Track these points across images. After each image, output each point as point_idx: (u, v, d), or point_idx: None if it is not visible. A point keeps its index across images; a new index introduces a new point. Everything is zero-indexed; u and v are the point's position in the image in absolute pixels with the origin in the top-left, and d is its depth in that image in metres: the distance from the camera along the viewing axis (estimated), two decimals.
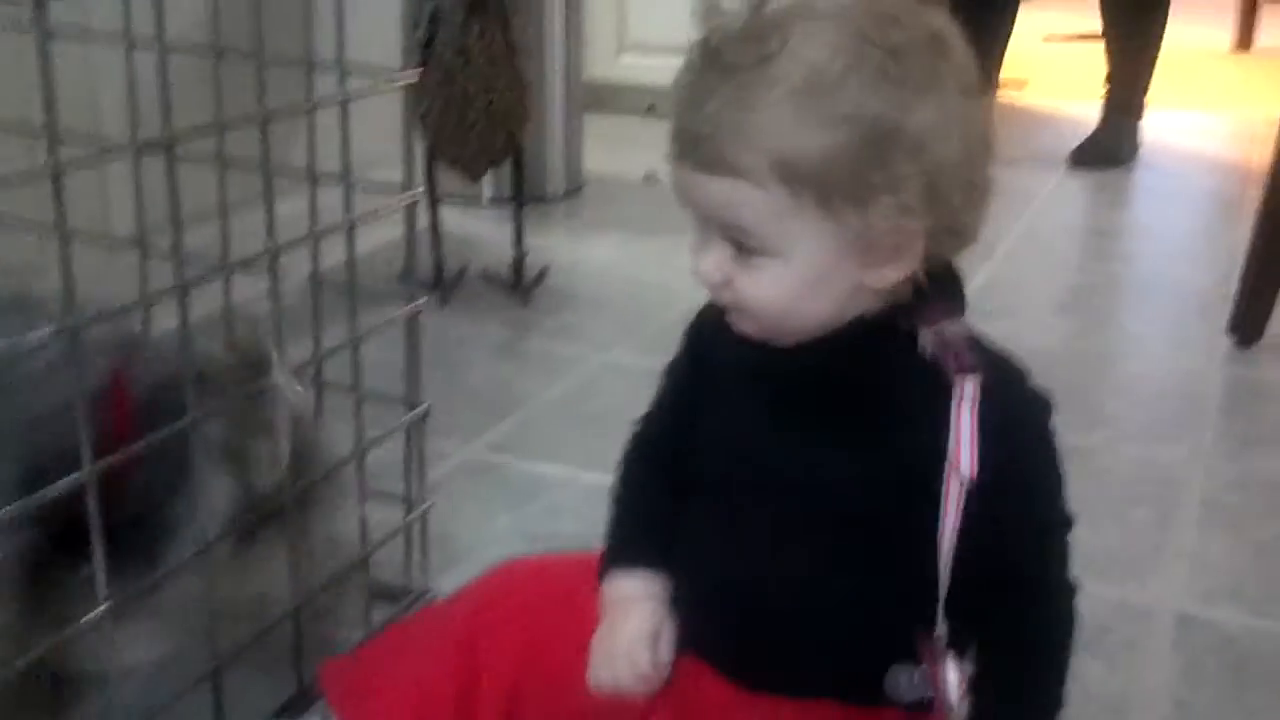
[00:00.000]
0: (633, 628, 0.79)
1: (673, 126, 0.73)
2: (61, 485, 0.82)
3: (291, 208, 1.04)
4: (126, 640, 0.91)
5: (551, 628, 0.86)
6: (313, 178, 1.08)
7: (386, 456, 1.17)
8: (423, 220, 2.03)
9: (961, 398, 0.72)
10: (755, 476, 0.78)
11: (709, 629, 0.79)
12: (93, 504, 0.84)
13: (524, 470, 1.53)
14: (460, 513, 1.40)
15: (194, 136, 0.92)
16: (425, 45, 1.86)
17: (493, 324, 2.00)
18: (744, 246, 0.72)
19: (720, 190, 0.71)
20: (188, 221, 0.92)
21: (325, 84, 1.05)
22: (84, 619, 0.86)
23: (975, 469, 0.72)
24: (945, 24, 0.72)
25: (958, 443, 0.72)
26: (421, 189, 1.11)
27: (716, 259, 0.73)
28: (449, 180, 2.06)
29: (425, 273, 2.06)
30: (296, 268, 1.04)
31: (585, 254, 2.34)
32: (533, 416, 1.69)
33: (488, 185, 2.45)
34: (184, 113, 0.94)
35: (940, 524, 0.73)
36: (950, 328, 0.74)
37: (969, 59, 0.73)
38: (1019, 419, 0.75)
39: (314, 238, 1.04)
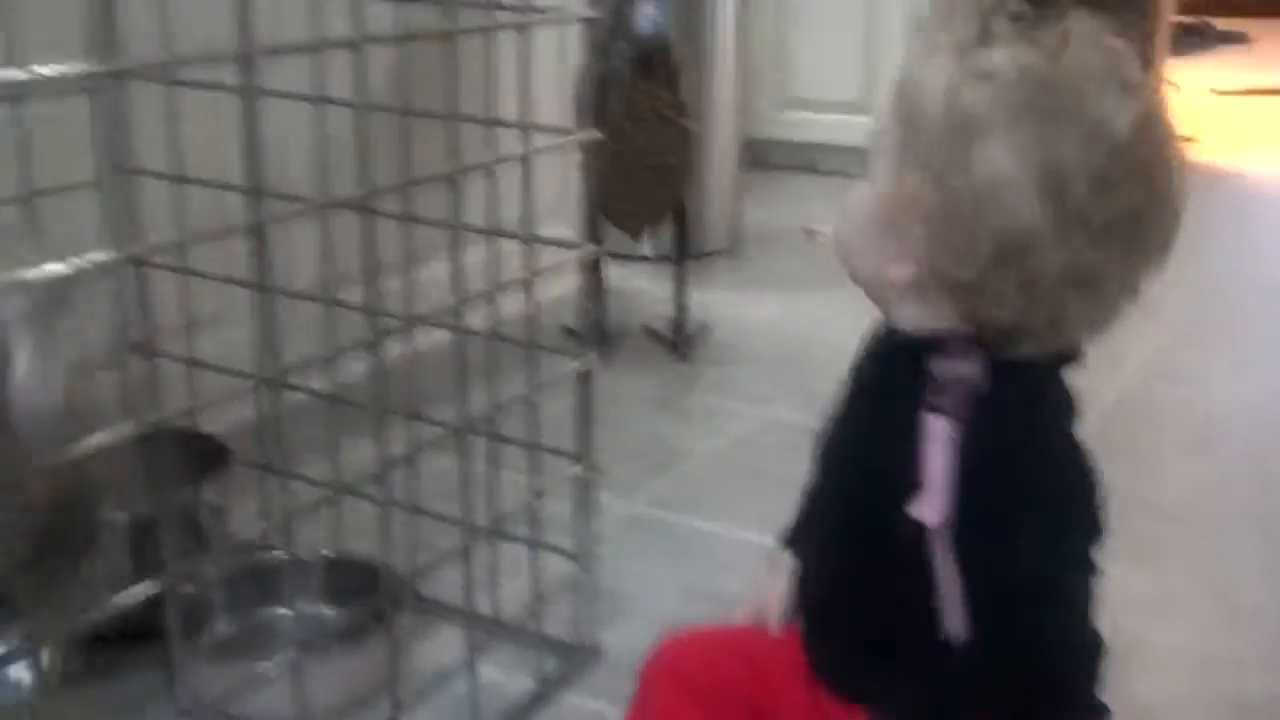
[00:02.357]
0: (767, 594, 0.93)
1: None
2: None
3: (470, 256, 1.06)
4: None
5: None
6: (495, 233, 1.11)
7: (549, 510, 1.18)
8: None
9: (933, 436, 0.76)
10: (823, 466, 0.88)
11: (802, 611, 0.91)
12: None
13: (684, 525, 1.52)
14: (622, 567, 1.40)
15: (387, 192, 0.95)
16: (596, 105, 1.89)
17: (654, 379, 2.01)
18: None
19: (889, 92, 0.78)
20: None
21: (502, 142, 1.07)
22: None
23: (939, 509, 0.76)
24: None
25: (927, 479, 0.76)
26: (594, 246, 1.11)
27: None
28: (612, 237, 2.09)
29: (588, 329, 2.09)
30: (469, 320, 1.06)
31: (746, 309, 2.34)
32: (692, 472, 1.68)
33: (650, 242, 2.47)
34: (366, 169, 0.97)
35: (935, 559, 0.77)
36: (961, 365, 0.77)
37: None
38: (994, 466, 0.76)
39: (494, 292, 1.06)
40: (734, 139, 2.73)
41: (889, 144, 0.77)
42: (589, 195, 1.97)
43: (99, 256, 0.72)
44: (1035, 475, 0.77)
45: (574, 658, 1.20)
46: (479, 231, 1.08)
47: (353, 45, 0.89)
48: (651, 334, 2.16)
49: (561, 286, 1.14)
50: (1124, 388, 2.00)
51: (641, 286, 2.43)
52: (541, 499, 1.14)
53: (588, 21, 1.06)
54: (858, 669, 0.86)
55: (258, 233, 0.83)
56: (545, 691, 1.16)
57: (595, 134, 1.08)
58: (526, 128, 1.06)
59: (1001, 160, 0.72)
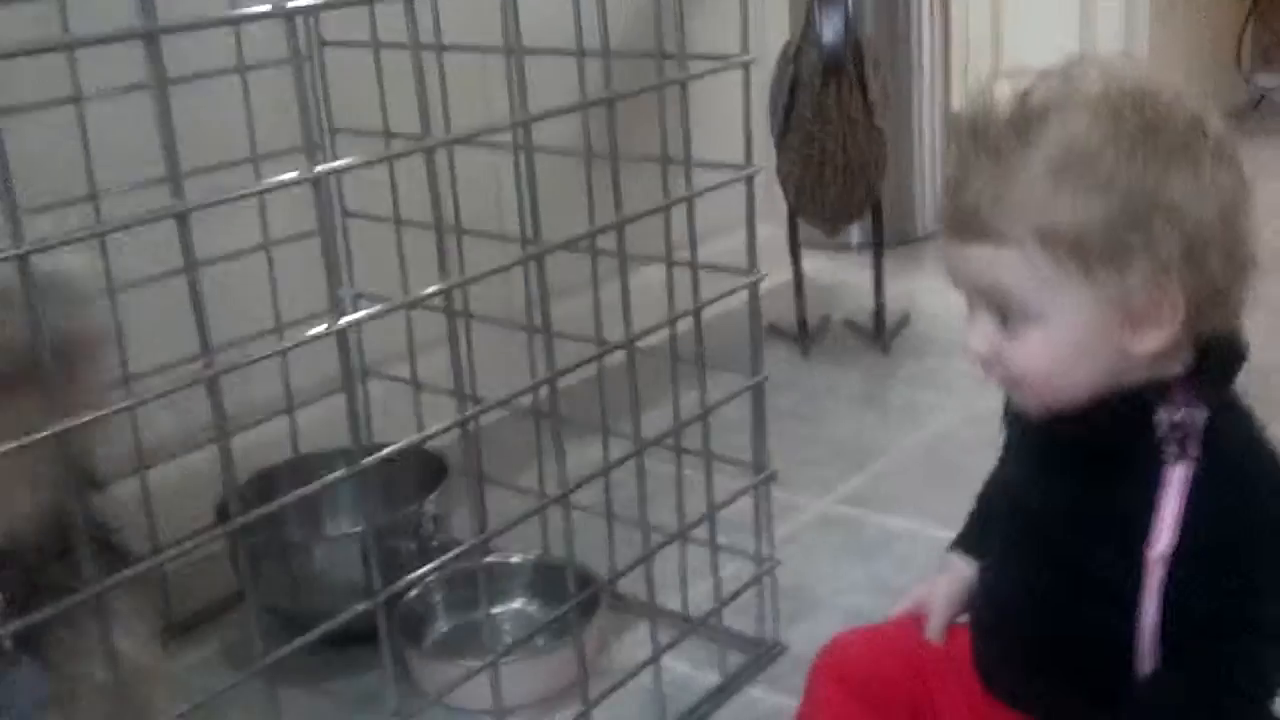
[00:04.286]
0: (929, 590, 1.00)
1: (943, 206, 0.81)
2: None
3: (648, 277, 1.16)
4: None
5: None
6: (669, 263, 1.20)
7: (741, 510, 1.27)
8: (787, 274, 2.13)
9: (1169, 483, 0.78)
10: (1014, 516, 0.90)
11: (978, 627, 0.95)
12: None
13: (877, 523, 1.57)
14: (813, 565, 1.47)
15: (605, 231, 1.07)
16: (787, 110, 1.95)
17: (853, 373, 2.06)
18: (1009, 315, 0.79)
19: (984, 257, 0.78)
20: (555, 296, 1.05)
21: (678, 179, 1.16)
22: None
23: (1170, 554, 0.78)
24: (1202, 104, 0.78)
25: (1159, 526, 0.78)
26: (761, 274, 1.18)
27: (983, 332, 0.81)
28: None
29: (789, 323, 2.15)
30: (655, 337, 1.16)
31: (951, 297, 2.34)
32: (889, 469, 1.73)
33: (856, 231, 2.51)
34: (556, 205, 1.09)
35: (1140, 603, 0.79)
36: (1191, 411, 0.78)
37: (1227, 134, 0.78)
38: (1233, 515, 0.78)
39: (671, 322, 1.16)
40: (942, 121, 2.72)
41: (1060, 280, 0.76)
42: (785, 197, 2.05)
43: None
44: (1265, 509, 0.79)
45: (758, 653, 1.29)
46: (651, 260, 1.17)
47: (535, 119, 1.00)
48: (852, 326, 2.21)
49: (765, 282, 1.22)
50: None
51: (847, 278, 2.47)
52: (725, 505, 1.23)
53: (745, 67, 1.12)
54: (1038, 693, 0.89)
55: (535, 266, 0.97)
56: (729, 685, 1.25)
57: (755, 170, 1.15)
58: (692, 165, 1.14)
59: (1189, 179, 0.76)
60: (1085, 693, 0.86)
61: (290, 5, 0.75)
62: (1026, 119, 0.77)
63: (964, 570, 1.00)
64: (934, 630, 0.99)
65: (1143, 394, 0.80)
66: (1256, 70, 3.70)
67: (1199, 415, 0.79)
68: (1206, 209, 0.76)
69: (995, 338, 0.80)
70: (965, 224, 0.79)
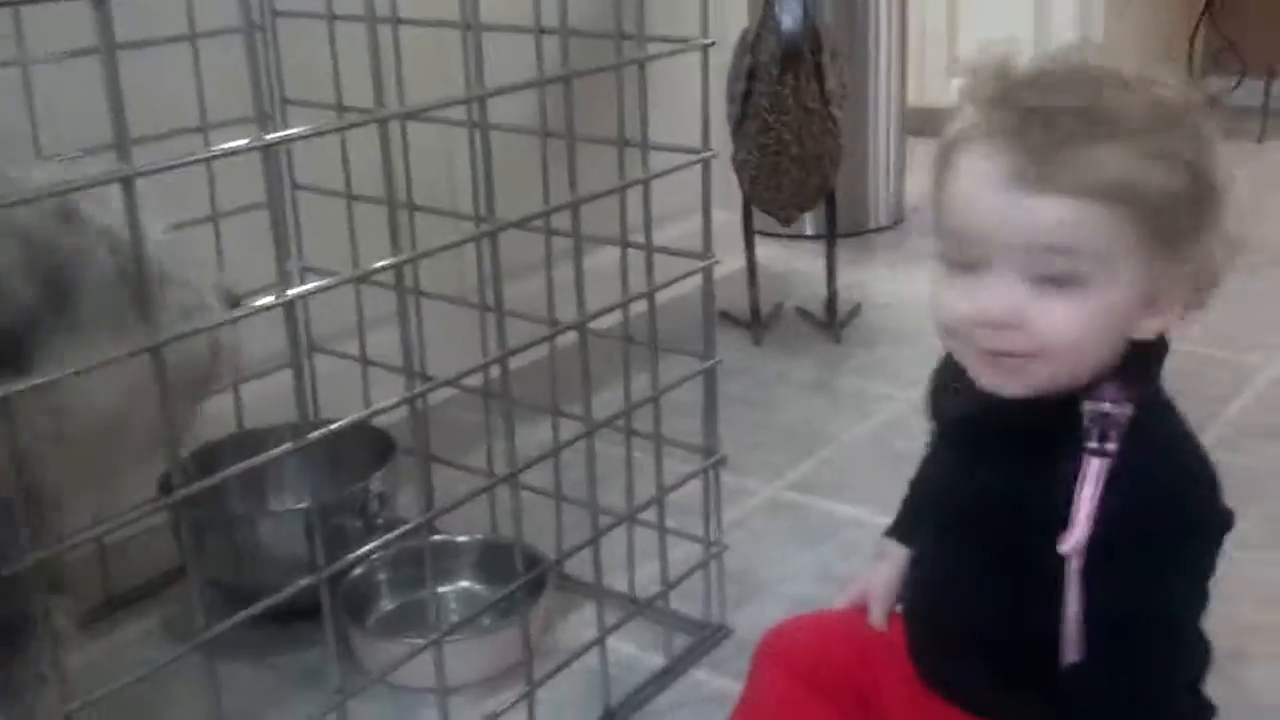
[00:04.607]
0: (868, 578, 1.02)
1: (1011, 152, 0.76)
2: None
3: (602, 259, 1.16)
4: None
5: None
6: (624, 245, 1.20)
7: (690, 494, 1.27)
8: (740, 261, 2.13)
9: (1086, 475, 0.79)
10: (940, 504, 0.91)
11: (911, 619, 0.96)
12: None
13: (824, 509, 1.58)
14: (760, 550, 1.48)
15: (559, 210, 1.06)
16: (744, 98, 1.95)
17: (805, 361, 2.07)
18: (1055, 278, 0.76)
19: (1057, 211, 0.75)
20: (508, 276, 1.04)
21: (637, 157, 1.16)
22: None
23: (1084, 546, 0.78)
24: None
25: (1076, 516, 0.78)
26: (715, 259, 1.18)
27: (1007, 292, 0.77)
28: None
29: (742, 310, 2.16)
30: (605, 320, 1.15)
31: (903, 288, 2.37)
32: (837, 455, 1.74)
33: (809, 221, 2.52)
34: (511, 183, 1.08)
35: (1064, 588, 0.80)
36: (1117, 405, 0.79)
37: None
38: (1145, 511, 0.79)
39: (624, 304, 1.16)
40: (897, 113, 2.74)
41: (1118, 250, 0.76)
42: (740, 185, 2.05)
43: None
44: (1183, 505, 0.81)
45: (703, 636, 1.29)
46: (605, 242, 1.17)
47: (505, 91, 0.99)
48: (804, 314, 2.22)
49: (718, 269, 1.21)
50: None
51: (801, 266, 2.48)
52: (674, 489, 1.23)
53: (704, 50, 1.12)
54: (968, 681, 0.91)
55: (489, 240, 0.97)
56: (674, 667, 1.25)
57: (710, 154, 1.15)
58: (649, 148, 1.14)
59: (1225, 167, 0.78)
60: (1014, 683, 0.87)
61: None
62: (1080, 82, 0.77)
63: (900, 556, 1.01)
64: (876, 618, 1.00)
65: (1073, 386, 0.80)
66: (1207, 74, 3.75)
67: (1124, 410, 0.79)
68: (1224, 196, 0.77)
69: (1021, 299, 0.77)
70: (1047, 175, 0.75)
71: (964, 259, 0.79)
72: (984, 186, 0.77)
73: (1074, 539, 0.79)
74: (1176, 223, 0.76)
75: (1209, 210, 0.77)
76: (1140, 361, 0.82)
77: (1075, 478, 0.80)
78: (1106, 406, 0.79)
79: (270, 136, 0.73)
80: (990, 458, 0.85)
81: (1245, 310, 2.14)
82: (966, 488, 0.87)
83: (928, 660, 0.95)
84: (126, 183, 0.68)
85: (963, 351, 0.83)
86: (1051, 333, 0.77)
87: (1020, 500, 0.83)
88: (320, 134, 0.81)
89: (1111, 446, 0.79)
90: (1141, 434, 0.80)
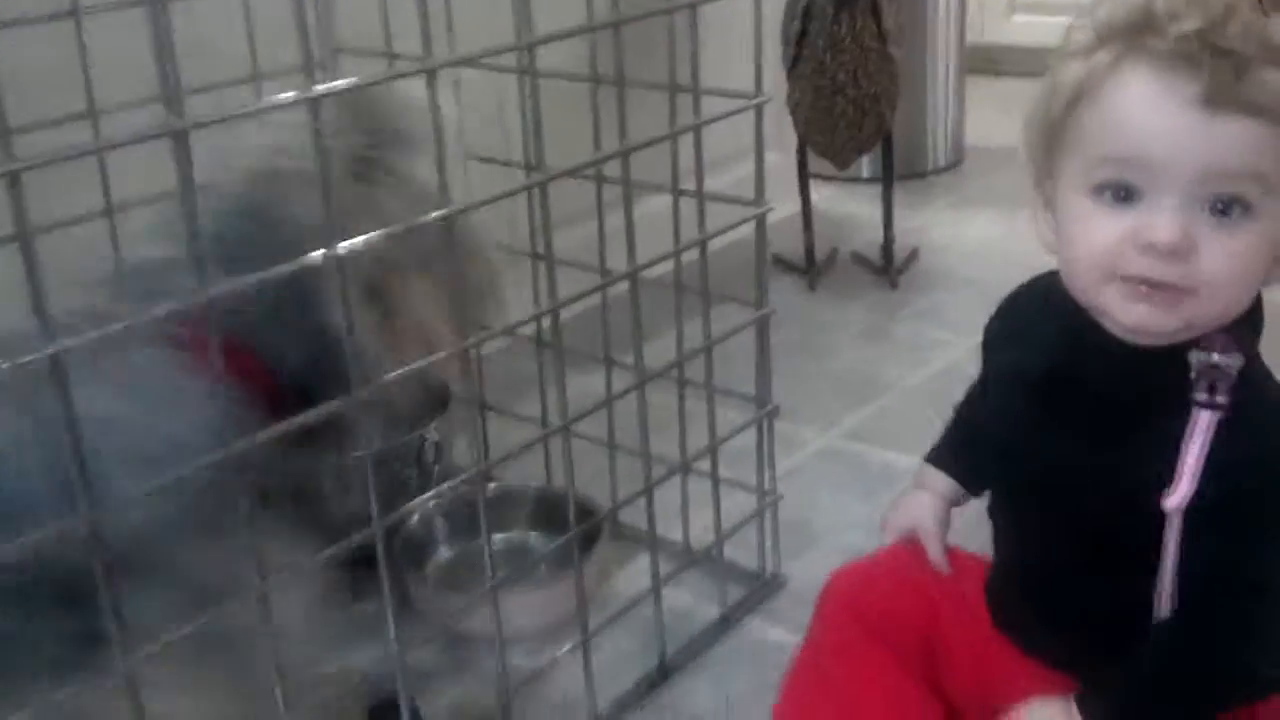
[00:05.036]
0: (916, 512, 1.00)
1: (1187, 75, 0.73)
2: None
3: (654, 206, 1.15)
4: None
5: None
6: (675, 193, 1.18)
7: (749, 445, 1.26)
8: (795, 205, 2.11)
9: (1194, 429, 0.76)
10: (1021, 465, 0.87)
11: (994, 577, 0.95)
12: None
13: (879, 459, 1.57)
14: (815, 500, 1.47)
15: (591, 165, 1.06)
16: (799, 38, 1.92)
17: (860, 308, 2.04)
18: (1226, 205, 0.73)
19: (1251, 134, 0.72)
20: (560, 224, 1.04)
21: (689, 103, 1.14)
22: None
23: (1187, 504, 0.76)
24: None
25: (1181, 472, 0.76)
26: (769, 206, 1.17)
27: (1181, 219, 0.74)
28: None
29: (797, 255, 2.14)
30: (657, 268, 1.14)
31: (962, 231, 2.33)
32: (893, 404, 1.72)
33: (866, 163, 2.48)
34: (562, 131, 1.07)
35: (1160, 555, 0.78)
36: (1224, 358, 0.76)
37: None
38: (1253, 465, 0.76)
39: (676, 254, 1.14)
40: (957, 52, 2.68)
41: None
42: (795, 127, 2.02)
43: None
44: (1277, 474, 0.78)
45: (758, 586, 1.29)
46: (657, 190, 1.15)
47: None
48: (861, 261, 2.19)
49: (773, 214, 1.19)
50: None
51: (857, 210, 2.44)
52: (726, 440, 1.22)
53: None
54: (1053, 640, 0.89)
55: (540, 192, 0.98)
56: (729, 617, 1.25)
57: (765, 99, 1.13)
58: (698, 95, 1.12)
59: None
60: (1102, 643, 0.85)
61: None
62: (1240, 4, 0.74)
63: (944, 486, 1.00)
64: (936, 557, 0.98)
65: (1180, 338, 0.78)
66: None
67: (1234, 361, 0.77)
68: None
69: (1194, 227, 0.74)
70: (1229, 97, 0.72)
71: (1125, 185, 0.76)
72: (1159, 109, 0.74)
73: (1180, 494, 0.76)
74: None
75: None
76: (1252, 314, 0.79)
77: (1181, 432, 0.77)
78: (1216, 358, 0.77)
79: (317, 88, 0.73)
80: (1080, 415, 0.83)
81: None
82: (1052, 448, 0.84)
83: (1009, 616, 0.93)
84: (179, 136, 0.68)
85: (1104, 287, 0.78)
86: (1217, 265, 0.74)
87: (1118, 460, 0.80)
88: (364, 86, 0.80)
89: (1222, 399, 0.77)
90: (1250, 387, 0.77)
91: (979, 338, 0.95)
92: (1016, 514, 0.91)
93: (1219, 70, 0.72)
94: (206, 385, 0.75)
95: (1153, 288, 0.75)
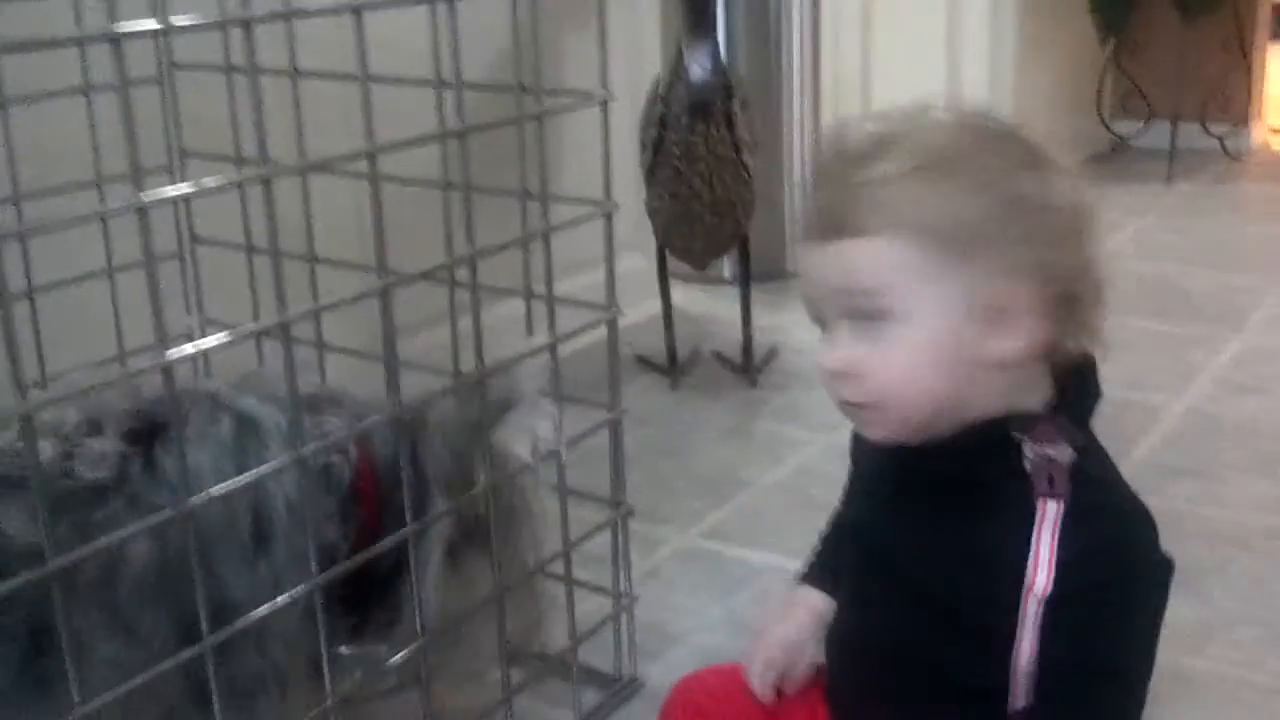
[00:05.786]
0: (783, 629, 0.98)
1: (805, 212, 0.83)
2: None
3: (512, 309, 1.17)
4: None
5: None
6: (528, 297, 1.19)
7: (607, 546, 1.26)
8: (658, 306, 2.14)
9: (1042, 520, 0.78)
10: (870, 554, 0.89)
11: (835, 667, 0.95)
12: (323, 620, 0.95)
13: (738, 557, 1.58)
14: (672, 600, 1.47)
15: (439, 269, 1.08)
16: (656, 146, 1.96)
17: (721, 407, 2.07)
18: (870, 319, 0.78)
19: (848, 253, 0.78)
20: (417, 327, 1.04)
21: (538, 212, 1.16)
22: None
23: (1049, 590, 0.77)
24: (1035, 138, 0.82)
25: (1035, 564, 0.78)
26: (617, 311, 1.18)
27: (840, 344, 0.80)
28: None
29: (659, 355, 2.16)
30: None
31: (818, 332, 2.38)
32: (752, 502, 1.74)
33: (727, 264, 2.54)
34: (419, 235, 1.09)
35: (1018, 637, 0.79)
36: (1055, 448, 0.79)
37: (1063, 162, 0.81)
38: (1106, 554, 0.79)
39: (525, 356, 1.14)
40: (811, 161, 2.77)
41: (920, 274, 0.77)
42: (654, 232, 2.06)
43: None
44: (1134, 548, 0.80)
45: (614, 690, 1.28)
46: (508, 294, 1.16)
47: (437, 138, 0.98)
48: (722, 359, 2.23)
49: (634, 316, 1.21)
50: (1193, 402, 2.00)
51: (719, 310, 2.49)
52: (580, 542, 1.22)
53: (604, 104, 1.12)
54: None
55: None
56: None
57: (611, 207, 1.15)
58: (552, 200, 1.13)
59: (1047, 181, 0.79)
60: None
61: (118, 30, 0.72)
62: (890, 132, 0.80)
63: (817, 603, 0.99)
64: (758, 686, 0.96)
65: (1007, 426, 0.80)
66: (1115, 117, 3.85)
67: (1065, 452, 0.79)
68: (1055, 213, 0.78)
69: (853, 349, 0.79)
70: (830, 222, 0.79)
71: (816, 319, 0.84)
72: (804, 248, 0.82)
73: (1040, 585, 0.78)
74: (968, 237, 0.76)
75: (1005, 221, 0.77)
76: (1074, 403, 0.82)
77: (1027, 523, 0.79)
78: (1049, 449, 0.79)
79: (144, 196, 0.72)
80: (925, 507, 0.84)
81: (1152, 352, 2.19)
82: (900, 540, 0.86)
83: (853, 711, 0.93)
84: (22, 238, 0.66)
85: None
86: (882, 376, 0.78)
87: (964, 550, 0.81)
88: (199, 195, 0.79)
89: (1061, 489, 0.78)
90: (1085, 477, 0.80)
91: (835, 436, 0.97)
92: (862, 608, 0.92)
93: (825, 199, 0.81)
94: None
95: (848, 405, 0.82)
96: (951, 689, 0.84)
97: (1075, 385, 0.83)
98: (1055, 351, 0.81)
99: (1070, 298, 0.80)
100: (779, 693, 0.97)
